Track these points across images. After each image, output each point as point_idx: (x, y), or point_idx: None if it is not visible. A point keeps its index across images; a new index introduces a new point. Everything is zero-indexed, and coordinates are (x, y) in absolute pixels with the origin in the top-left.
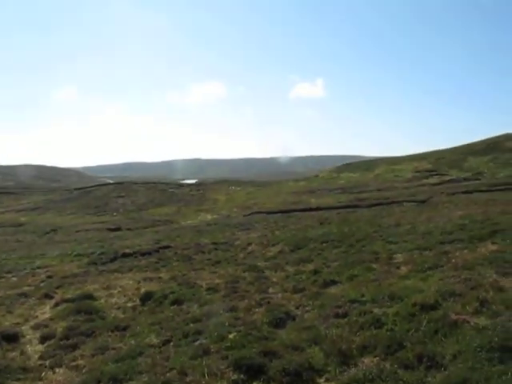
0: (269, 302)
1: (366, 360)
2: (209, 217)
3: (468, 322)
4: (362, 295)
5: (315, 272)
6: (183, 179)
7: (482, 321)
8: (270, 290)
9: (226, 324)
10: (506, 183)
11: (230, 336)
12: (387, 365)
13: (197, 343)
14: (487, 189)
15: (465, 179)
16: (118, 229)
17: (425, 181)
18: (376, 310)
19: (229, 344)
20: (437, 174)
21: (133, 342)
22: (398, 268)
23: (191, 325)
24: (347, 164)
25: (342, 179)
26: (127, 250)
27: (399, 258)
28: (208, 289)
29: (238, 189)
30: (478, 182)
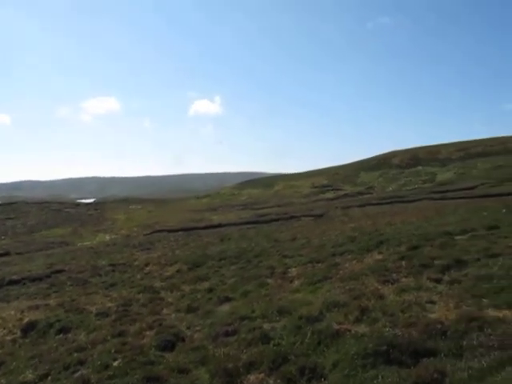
0: (160, 324)
1: (252, 377)
2: (107, 237)
3: (349, 330)
4: (253, 311)
5: (210, 290)
6: (80, 198)
7: (361, 328)
8: (164, 311)
9: (112, 351)
10: (393, 196)
11: (115, 364)
12: (271, 380)
13: (77, 375)
14: (377, 202)
15: (358, 193)
16: (5, 254)
17: (321, 196)
18: (265, 326)
19: (111, 373)
20: (332, 189)
21: (3, 381)
22: (291, 282)
23: (75, 354)
24: (248, 181)
25: (243, 196)
26: (15, 277)
27: (293, 271)
28: (98, 314)
29: (139, 207)
30: (369, 195)
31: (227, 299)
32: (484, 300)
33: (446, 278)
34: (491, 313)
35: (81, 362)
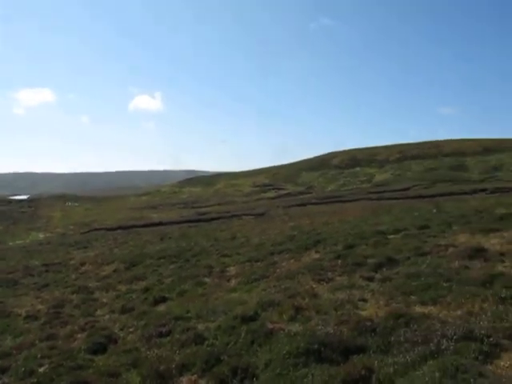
0: (93, 326)
1: (184, 379)
2: (41, 236)
3: (283, 329)
4: (188, 311)
5: (147, 289)
6: (12, 195)
7: (295, 327)
8: (98, 313)
9: (39, 356)
10: (332, 196)
11: (40, 370)
12: (203, 382)
13: None
14: (317, 201)
15: (299, 193)
16: None
17: (263, 195)
18: (200, 326)
19: (36, 380)
20: (274, 189)
21: None
22: (229, 281)
23: None
24: (189, 179)
25: (184, 194)
26: None
27: (231, 270)
28: (27, 317)
29: (76, 205)
30: (309, 195)
31: (163, 299)
32: (412, 297)
33: (378, 276)
34: (418, 309)
35: (3, 370)
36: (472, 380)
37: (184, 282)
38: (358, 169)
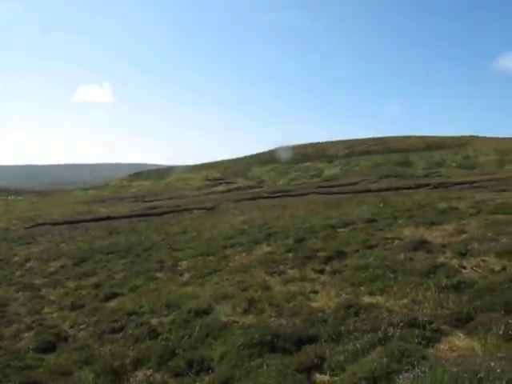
0: (41, 324)
1: (140, 374)
2: None
3: (237, 322)
4: (141, 306)
5: (97, 286)
6: None
7: (249, 320)
8: (45, 310)
9: None
10: (283, 190)
11: None
12: (159, 376)
13: None
14: (268, 195)
15: (250, 187)
16: None
17: (214, 189)
18: (153, 321)
19: None
20: (225, 182)
21: None
22: (181, 275)
23: None
24: (139, 172)
25: (133, 188)
26: None
27: (183, 264)
28: None
29: (19, 198)
30: (260, 189)
31: (114, 295)
32: (361, 288)
33: (328, 268)
34: (366, 299)
35: None
36: (416, 363)
37: (136, 277)
38: (308, 163)
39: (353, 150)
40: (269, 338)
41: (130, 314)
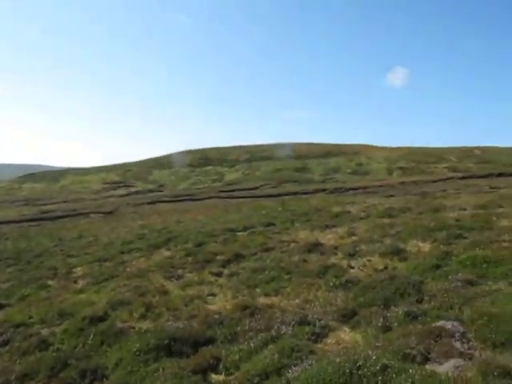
0: None
1: None
2: None
3: (133, 327)
4: (30, 317)
5: None
6: None
7: (146, 325)
8: None
9: None
10: (183, 194)
11: None
12: None
13: None
14: (169, 200)
15: (150, 191)
16: None
17: (113, 192)
18: (44, 331)
19: None
20: (124, 186)
21: None
22: (76, 282)
23: None
24: (31, 174)
25: (24, 190)
26: None
27: (79, 271)
28: None
29: None
30: (161, 193)
31: (1, 306)
32: (257, 289)
33: (226, 271)
34: (262, 300)
35: None
36: (304, 357)
37: (25, 286)
38: (209, 168)
39: (254, 155)
40: (166, 342)
41: (17, 326)
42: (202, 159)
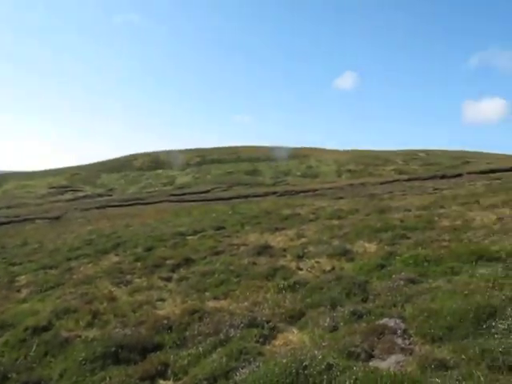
0: None
1: None
2: None
3: (79, 336)
4: None
5: None
6: None
7: (92, 333)
8: None
9: None
10: (133, 199)
11: None
12: None
13: None
14: (118, 204)
15: (98, 195)
16: None
17: (60, 197)
18: None
19: None
20: (72, 190)
21: None
22: (19, 291)
23: None
24: None
25: None
26: None
27: (22, 280)
28: None
29: None
30: (110, 197)
31: None
32: (206, 293)
33: (176, 276)
34: (211, 304)
35: None
36: (252, 359)
37: None
38: (160, 171)
39: (205, 158)
40: (113, 349)
41: None
42: (153, 162)
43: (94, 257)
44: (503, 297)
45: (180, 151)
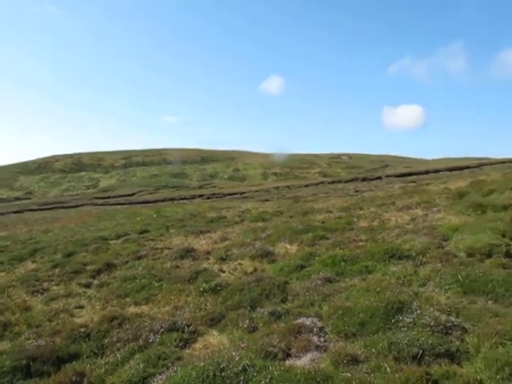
0: None
1: None
2: None
3: None
4: None
5: None
6: None
7: (2, 346)
8: None
9: None
10: (54, 202)
11: None
12: None
13: None
14: (38, 208)
15: (16, 198)
16: None
17: None
18: None
19: None
20: None
21: None
22: None
23: None
24: None
25: None
26: None
27: None
28: None
29: None
30: (29, 201)
31: None
32: (127, 299)
33: (96, 282)
34: (132, 309)
35: None
36: (170, 364)
37: None
38: (83, 173)
39: (130, 160)
40: (24, 362)
41: None
42: (75, 164)
43: (8, 264)
44: (411, 292)
45: (104, 153)
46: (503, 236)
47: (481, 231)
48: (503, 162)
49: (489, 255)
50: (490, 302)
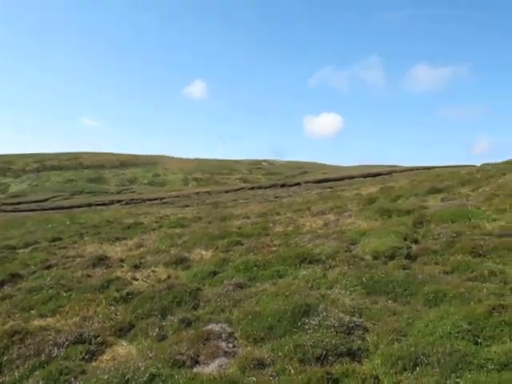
0: None
1: None
2: None
3: None
4: None
5: None
6: None
7: None
8: None
9: None
10: None
11: None
12: None
13: None
14: None
15: None
16: None
17: None
18: None
19: None
20: None
21: None
22: None
23: None
24: None
25: None
26: None
27: None
28: None
29: None
30: None
31: None
32: (32, 311)
33: None
34: (36, 323)
35: None
36: (73, 379)
37: None
38: None
39: (43, 164)
40: None
41: None
42: None
43: None
44: (318, 295)
45: (14, 156)
46: (405, 239)
47: (385, 235)
48: (411, 169)
49: (392, 257)
50: (389, 302)
